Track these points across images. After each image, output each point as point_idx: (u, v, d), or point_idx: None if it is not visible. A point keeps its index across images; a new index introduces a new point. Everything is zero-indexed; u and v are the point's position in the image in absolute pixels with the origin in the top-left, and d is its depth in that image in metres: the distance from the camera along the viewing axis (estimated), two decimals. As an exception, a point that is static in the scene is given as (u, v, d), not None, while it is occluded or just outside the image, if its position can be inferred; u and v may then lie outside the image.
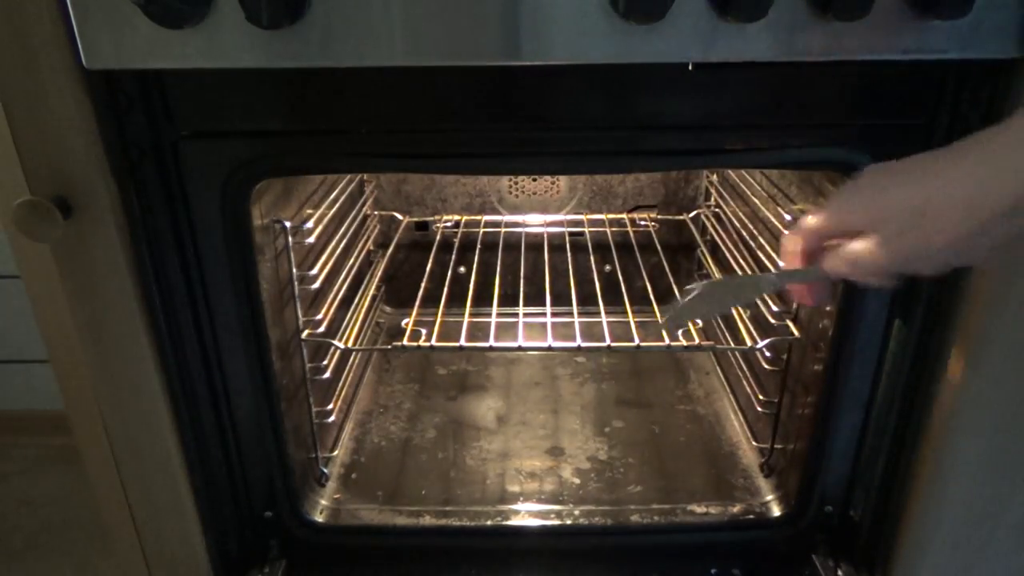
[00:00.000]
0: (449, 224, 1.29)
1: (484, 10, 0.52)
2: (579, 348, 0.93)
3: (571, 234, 1.24)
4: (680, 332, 0.93)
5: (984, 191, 0.45)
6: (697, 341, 0.93)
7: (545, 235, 1.25)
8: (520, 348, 0.91)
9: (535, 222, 1.29)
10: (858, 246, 0.49)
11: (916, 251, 0.48)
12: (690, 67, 0.58)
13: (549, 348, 0.92)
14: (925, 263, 0.49)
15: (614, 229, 1.25)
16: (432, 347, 0.93)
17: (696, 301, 0.57)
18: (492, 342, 0.94)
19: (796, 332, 0.86)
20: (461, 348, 0.93)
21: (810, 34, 0.53)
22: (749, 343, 0.91)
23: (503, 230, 1.27)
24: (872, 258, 0.49)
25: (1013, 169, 0.44)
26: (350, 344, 0.97)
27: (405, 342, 0.92)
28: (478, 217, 1.30)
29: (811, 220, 0.52)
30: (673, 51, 0.54)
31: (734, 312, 0.98)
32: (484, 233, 1.26)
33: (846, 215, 0.51)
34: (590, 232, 1.25)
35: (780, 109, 0.61)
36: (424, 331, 0.93)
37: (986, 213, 0.45)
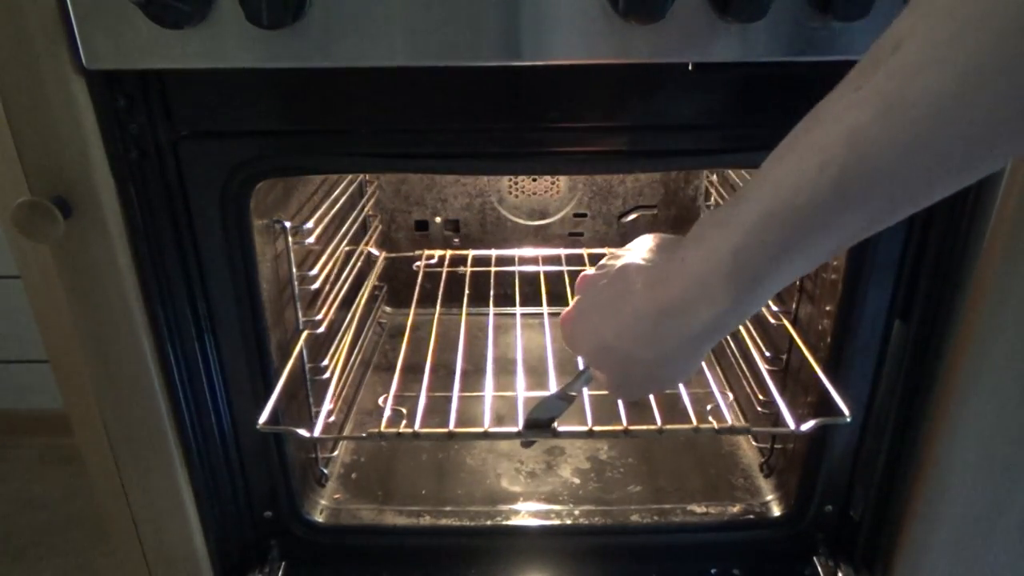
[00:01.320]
0: (433, 261, 1.25)
1: (484, 10, 0.52)
2: (591, 433, 0.76)
3: (571, 274, 1.18)
4: (709, 408, 0.83)
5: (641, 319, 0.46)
6: (730, 423, 0.78)
7: (541, 274, 1.19)
8: (519, 435, 0.74)
9: (529, 255, 1.25)
10: (598, 375, 0.54)
11: (626, 380, 0.51)
12: (690, 67, 0.58)
13: (553, 434, 0.74)
14: (645, 387, 0.51)
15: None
16: (416, 434, 0.76)
17: (537, 414, 0.72)
18: (487, 427, 0.78)
19: (804, 347, 0.85)
20: (451, 436, 0.77)
21: (810, 34, 0.53)
22: (792, 426, 0.75)
23: (493, 269, 1.22)
24: (606, 387, 0.53)
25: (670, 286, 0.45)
26: (316, 432, 0.77)
27: (383, 429, 0.76)
28: (464, 252, 1.26)
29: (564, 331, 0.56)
30: (673, 51, 0.54)
31: (773, 390, 0.82)
32: (474, 276, 1.21)
33: (572, 348, 0.55)
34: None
35: (780, 109, 0.61)
36: (405, 410, 0.84)
37: (659, 335, 0.45)
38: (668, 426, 0.76)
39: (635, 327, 0.46)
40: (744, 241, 0.39)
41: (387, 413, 0.82)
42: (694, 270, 0.42)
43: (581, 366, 0.63)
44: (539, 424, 0.72)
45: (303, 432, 0.75)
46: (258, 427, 0.72)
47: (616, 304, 0.48)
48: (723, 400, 0.83)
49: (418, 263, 1.26)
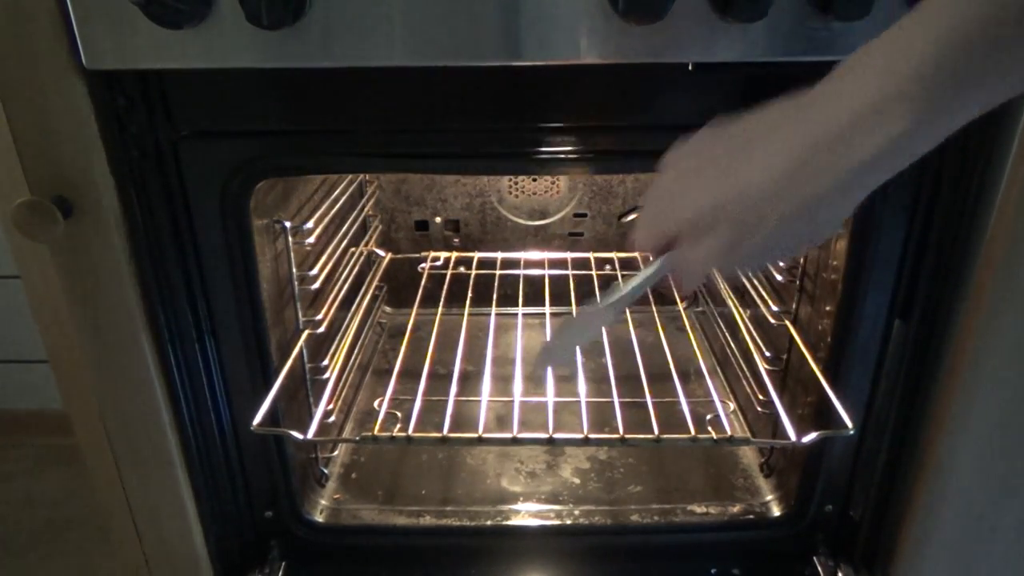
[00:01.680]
0: (438, 263, 1.26)
1: (484, 10, 0.52)
2: (587, 440, 0.76)
3: (575, 278, 1.19)
4: (708, 417, 0.81)
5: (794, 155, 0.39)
6: (729, 433, 0.76)
7: (547, 278, 1.19)
8: (515, 441, 0.75)
9: (535, 259, 1.26)
10: (685, 252, 0.44)
11: (738, 244, 0.42)
12: (690, 67, 0.58)
13: (550, 440, 0.74)
14: (767, 251, 0.43)
15: (625, 273, 1.20)
16: (409, 439, 0.76)
17: (567, 333, 0.55)
18: (482, 432, 0.78)
19: (805, 349, 0.85)
20: (444, 440, 0.77)
21: (810, 34, 0.53)
22: (793, 437, 0.74)
23: (498, 271, 1.22)
24: (700, 264, 0.44)
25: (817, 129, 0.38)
26: (310, 435, 0.76)
27: (376, 432, 0.77)
28: (471, 255, 1.27)
29: (638, 220, 0.47)
30: (673, 51, 0.54)
31: (774, 396, 0.81)
32: (476, 276, 1.21)
33: (656, 226, 0.46)
34: (598, 275, 1.20)
35: (780, 109, 0.61)
36: (400, 414, 0.86)
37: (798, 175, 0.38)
38: (666, 435, 0.75)
39: (774, 169, 0.39)
40: (940, 48, 0.33)
41: (381, 416, 0.82)
42: (868, 86, 0.36)
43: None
44: (564, 348, 0.56)
45: (296, 435, 0.74)
46: (252, 428, 0.72)
47: (744, 149, 0.41)
48: (723, 409, 0.83)
49: (422, 265, 1.26)
